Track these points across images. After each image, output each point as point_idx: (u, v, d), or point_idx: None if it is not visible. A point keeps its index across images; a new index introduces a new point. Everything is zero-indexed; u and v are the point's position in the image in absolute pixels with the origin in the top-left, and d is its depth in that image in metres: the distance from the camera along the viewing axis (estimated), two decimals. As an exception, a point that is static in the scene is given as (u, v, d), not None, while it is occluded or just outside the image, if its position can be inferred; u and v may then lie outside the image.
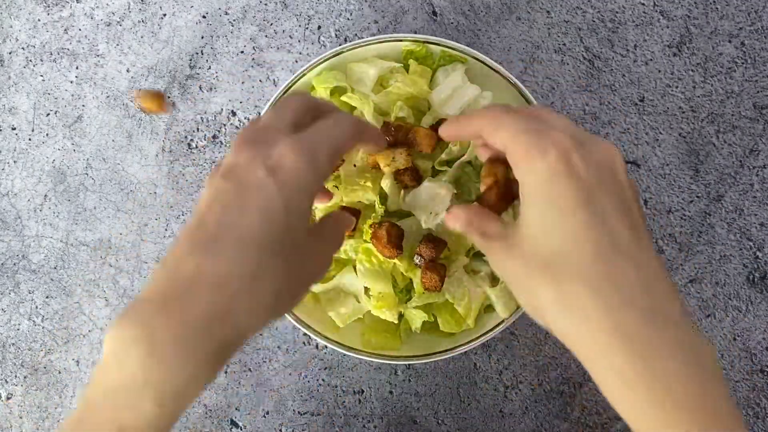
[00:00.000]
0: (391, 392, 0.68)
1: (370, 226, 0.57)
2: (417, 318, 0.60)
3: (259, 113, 0.68)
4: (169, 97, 0.70)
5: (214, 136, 0.70)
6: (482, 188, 0.47)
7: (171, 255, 0.37)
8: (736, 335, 0.67)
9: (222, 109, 0.70)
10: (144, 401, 0.35)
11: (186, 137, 0.70)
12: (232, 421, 0.69)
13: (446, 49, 0.61)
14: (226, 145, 0.69)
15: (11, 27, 0.71)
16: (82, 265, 0.70)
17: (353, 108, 0.61)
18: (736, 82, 0.68)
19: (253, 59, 0.70)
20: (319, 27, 0.70)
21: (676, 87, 0.68)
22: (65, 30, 0.71)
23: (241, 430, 0.69)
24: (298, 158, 0.38)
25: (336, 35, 0.69)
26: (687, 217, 0.68)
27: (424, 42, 0.61)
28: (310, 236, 0.41)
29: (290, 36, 0.70)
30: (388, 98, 0.60)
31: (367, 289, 0.60)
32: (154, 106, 0.65)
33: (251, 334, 0.38)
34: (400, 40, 0.61)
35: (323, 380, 0.68)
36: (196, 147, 0.70)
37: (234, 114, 0.70)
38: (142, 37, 0.70)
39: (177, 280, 0.36)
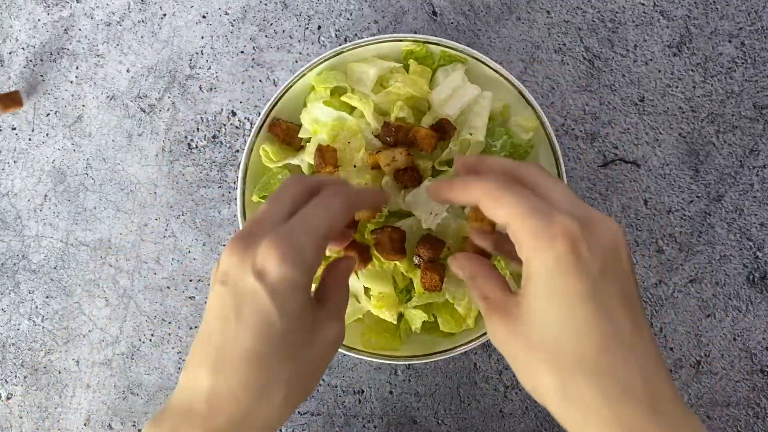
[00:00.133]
0: (391, 392, 0.68)
1: (372, 232, 0.57)
2: (417, 318, 0.60)
3: (259, 113, 0.68)
4: (169, 97, 0.70)
5: (214, 136, 0.70)
6: (470, 232, 0.47)
7: (190, 364, 0.41)
8: (736, 335, 0.67)
9: (222, 109, 0.70)
10: None
11: (186, 137, 0.70)
12: (232, 421, 0.69)
13: (446, 49, 0.61)
14: (226, 145, 0.69)
15: (11, 27, 0.71)
16: (82, 265, 0.70)
17: (353, 108, 0.61)
18: (736, 82, 0.68)
19: (253, 59, 0.70)
20: (319, 27, 0.70)
21: (676, 87, 0.68)
22: (65, 30, 0.71)
23: (241, 430, 0.69)
24: (282, 260, 0.39)
25: (336, 35, 0.69)
26: (687, 217, 0.68)
27: (424, 42, 0.61)
28: (314, 311, 0.42)
29: (290, 36, 0.70)
30: (388, 98, 0.60)
31: (367, 289, 0.60)
32: (3, 107, 0.67)
33: None
34: (400, 40, 0.61)
35: (323, 380, 0.68)
36: (196, 147, 0.70)
37: (234, 114, 0.70)
38: (142, 37, 0.70)
39: (196, 393, 0.40)
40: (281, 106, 0.61)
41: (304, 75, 0.61)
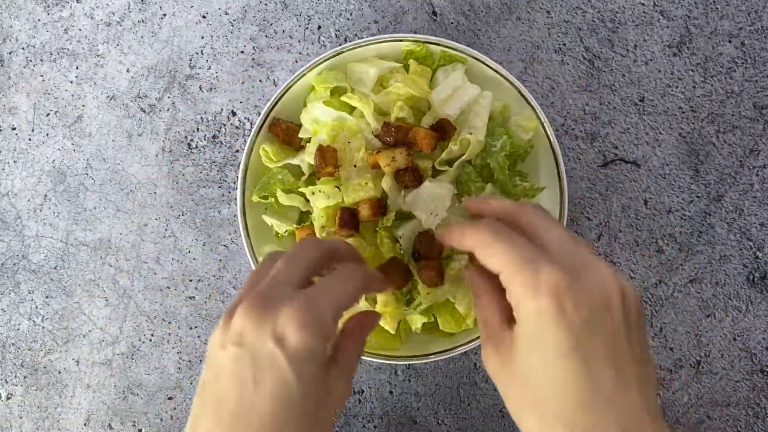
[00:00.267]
0: (391, 392, 0.68)
1: (378, 268, 0.58)
2: (417, 320, 0.60)
3: (259, 113, 0.68)
4: (169, 97, 0.70)
5: (214, 136, 0.70)
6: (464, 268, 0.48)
7: (199, 427, 0.41)
8: (736, 335, 0.67)
9: (222, 109, 0.70)
10: None
11: (186, 137, 0.70)
12: (232, 421, 0.69)
13: (446, 49, 0.61)
14: (226, 145, 0.69)
15: (11, 27, 0.71)
16: (82, 265, 0.70)
17: (353, 108, 0.61)
18: (736, 82, 0.68)
19: (253, 59, 0.70)
20: (319, 27, 0.70)
21: (676, 87, 0.68)
22: (65, 30, 0.71)
23: (241, 430, 0.69)
24: (303, 328, 0.39)
25: (336, 35, 0.69)
26: (687, 217, 0.68)
27: (424, 42, 0.61)
28: (328, 371, 0.43)
29: (290, 36, 0.70)
30: (388, 98, 0.60)
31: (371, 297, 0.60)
32: None
33: None
34: (400, 40, 0.61)
35: (323, 380, 0.68)
36: (196, 147, 0.70)
37: (234, 114, 0.70)
38: (142, 37, 0.70)
39: None
40: (281, 106, 0.61)
41: (304, 75, 0.61)
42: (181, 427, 0.69)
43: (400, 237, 0.59)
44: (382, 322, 0.59)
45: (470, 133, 0.58)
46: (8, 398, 0.70)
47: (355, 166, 0.59)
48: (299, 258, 0.44)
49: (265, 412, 0.39)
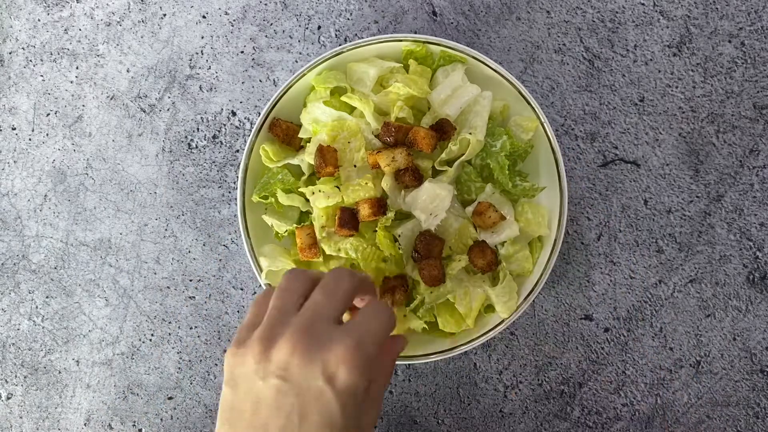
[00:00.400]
0: (391, 392, 0.68)
1: (382, 285, 0.59)
2: (418, 326, 0.60)
3: (259, 113, 0.68)
4: (169, 97, 0.70)
5: (214, 136, 0.70)
6: None
7: None
8: (736, 335, 0.67)
9: (222, 109, 0.70)
10: None
11: (186, 137, 0.70)
12: (232, 421, 0.69)
13: (446, 49, 0.61)
14: (226, 145, 0.69)
15: (11, 27, 0.71)
16: (82, 265, 0.70)
17: (353, 108, 0.61)
18: (736, 82, 0.68)
19: (253, 59, 0.70)
20: (319, 27, 0.70)
21: (676, 87, 0.68)
22: (65, 30, 0.71)
23: (241, 430, 0.69)
24: (355, 370, 0.41)
25: (336, 35, 0.69)
26: (687, 217, 0.68)
27: (424, 42, 0.61)
28: (363, 404, 0.44)
29: (290, 36, 0.70)
30: (388, 98, 0.60)
31: None
32: None
33: None
34: (400, 40, 0.61)
35: (323, 380, 0.68)
36: (196, 147, 0.70)
37: (234, 114, 0.70)
38: (142, 37, 0.70)
39: None
40: (281, 106, 0.61)
41: (304, 75, 0.61)
42: (181, 427, 0.69)
43: (400, 236, 0.59)
44: None
45: (470, 133, 0.58)
46: (8, 398, 0.70)
47: (355, 166, 0.59)
48: (338, 291, 0.45)
49: None
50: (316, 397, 0.40)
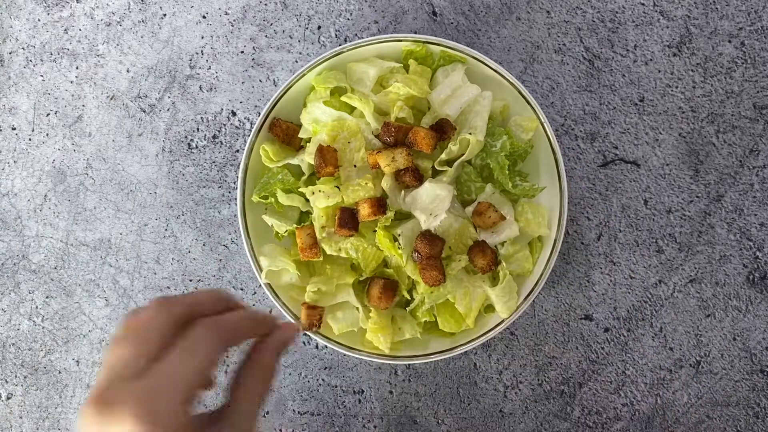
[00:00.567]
0: (391, 392, 0.68)
1: (367, 289, 0.60)
2: (413, 332, 0.61)
3: (259, 113, 0.68)
4: (169, 97, 0.70)
5: (214, 136, 0.70)
6: None
7: None
8: (736, 335, 0.67)
9: (222, 109, 0.70)
10: None
11: (186, 137, 0.70)
12: (232, 421, 0.69)
13: (446, 49, 0.61)
14: (226, 145, 0.69)
15: (11, 27, 0.71)
16: (82, 265, 0.70)
17: (353, 108, 0.61)
18: (736, 82, 0.68)
19: (253, 59, 0.70)
20: (319, 27, 0.70)
21: (676, 87, 0.68)
22: (65, 30, 0.71)
23: (241, 430, 0.69)
24: (139, 428, 0.33)
25: (336, 35, 0.69)
26: (687, 217, 0.68)
27: (424, 42, 0.61)
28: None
29: (290, 36, 0.70)
30: (388, 98, 0.60)
31: (366, 308, 0.61)
32: None
33: None
34: (400, 40, 0.61)
35: (323, 380, 0.68)
36: (196, 147, 0.70)
37: (234, 114, 0.70)
38: (142, 37, 0.70)
39: None
40: (281, 106, 0.61)
41: (304, 75, 0.61)
42: (181, 427, 0.69)
43: (399, 236, 0.59)
44: (375, 341, 0.60)
45: (470, 133, 0.58)
46: (8, 398, 0.70)
47: (355, 166, 0.59)
48: (143, 332, 0.37)
49: None
50: None
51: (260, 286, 0.68)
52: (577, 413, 0.68)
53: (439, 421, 0.68)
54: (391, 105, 0.60)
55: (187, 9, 0.70)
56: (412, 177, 0.58)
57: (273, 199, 0.61)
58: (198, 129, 0.70)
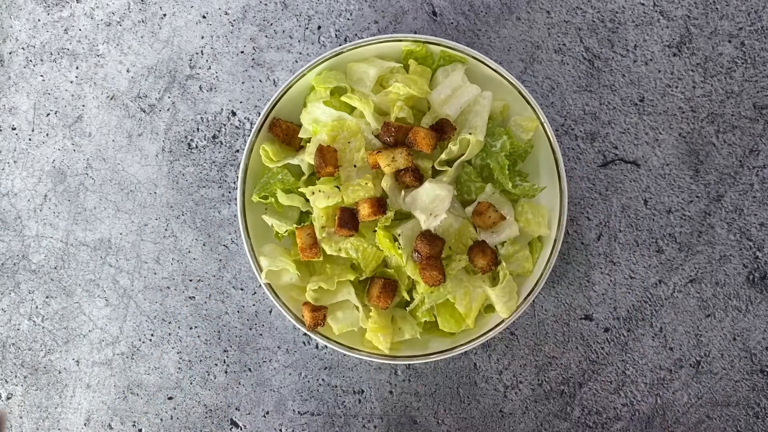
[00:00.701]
0: (391, 392, 0.68)
1: (368, 289, 0.60)
2: (413, 333, 0.61)
3: (259, 113, 0.68)
4: (169, 97, 0.70)
5: (214, 136, 0.70)
6: None
7: None
8: (736, 335, 0.67)
9: (222, 109, 0.70)
10: None
11: (186, 137, 0.70)
12: (232, 421, 0.69)
13: (446, 49, 0.61)
14: (226, 145, 0.69)
15: (11, 27, 0.71)
16: (82, 265, 0.70)
17: (353, 108, 0.61)
18: (736, 82, 0.68)
19: (253, 59, 0.70)
20: (319, 27, 0.70)
21: (676, 87, 0.68)
22: (65, 30, 0.71)
23: (241, 430, 0.69)
24: None
25: (336, 35, 0.69)
26: (687, 217, 0.68)
27: (424, 42, 0.61)
28: None
29: (290, 36, 0.70)
30: (388, 98, 0.60)
31: (366, 308, 0.61)
32: None
33: None
34: (400, 40, 0.61)
35: (323, 380, 0.68)
36: (196, 147, 0.70)
37: (234, 114, 0.70)
38: (142, 37, 0.70)
39: None
40: (281, 106, 0.61)
41: (304, 75, 0.61)
42: (181, 427, 0.69)
43: (399, 236, 0.59)
44: (375, 341, 0.60)
45: (470, 133, 0.58)
46: (8, 398, 0.70)
47: (355, 166, 0.59)
48: None
49: None
50: None
51: (260, 286, 0.68)
52: (577, 413, 0.68)
53: (439, 421, 0.68)
54: (391, 105, 0.60)
55: (187, 9, 0.70)
56: (412, 177, 0.58)
57: (273, 199, 0.61)
58: (198, 129, 0.70)
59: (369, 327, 0.59)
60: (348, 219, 0.57)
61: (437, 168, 0.60)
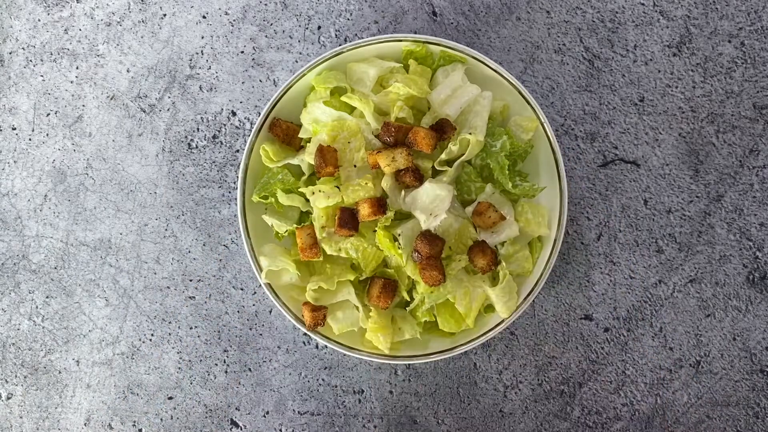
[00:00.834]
0: (391, 392, 0.68)
1: (368, 288, 0.60)
2: (413, 332, 0.61)
3: (259, 113, 0.68)
4: (169, 97, 0.70)
5: (214, 136, 0.70)
6: None
7: None
8: (736, 335, 0.67)
9: (222, 109, 0.70)
10: None
11: (186, 137, 0.70)
12: (232, 421, 0.69)
13: (446, 49, 0.61)
14: (226, 145, 0.70)
15: (11, 27, 0.71)
16: (82, 265, 0.70)
17: (353, 108, 0.61)
18: (736, 82, 0.68)
19: (253, 59, 0.70)
20: (319, 27, 0.70)
21: (676, 87, 0.68)
22: (65, 30, 0.71)
23: (241, 430, 0.69)
24: None
25: (336, 35, 0.69)
26: (687, 217, 0.68)
27: (424, 42, 0.61)
28: None
29: (290, 36, 0.70)
30: (388, 98, 0.60)
31: (366, 308, 0.61)
32: None
33: None
34: (400, 40, 0.61)
35: (323, 380, 0.68)
36: (196, 147, 0.70)
37: (234, 114, 0.70)
38: (142, 37, 0.70)
39: None
40: (281, 106, 0.61)
41: (304, 75, 0.61)
42: (181, 427, 0.69)
43: (399, 236, 0.59)
44: (375, 340, 0.60)
45: (470, 133, 0.58)
46: (8, 398, 0.70)
47: (355, 166, 0.59)
48: None
49: None
50: None
51: (260, 286, 0.68)
52: (577, 413, 0.68)
53: (439, 421, 0.68)
54: (391, 105, 0.60)
55: (187, 9, 0.70)
56: (412, 177, 0.58)
57: (273, 199, 0.61)
58: (198, 129, 0.70)
59: (369, 327, 0.59)
60: (348, 219, 0.57)
61: (437, 168, 0.60)
